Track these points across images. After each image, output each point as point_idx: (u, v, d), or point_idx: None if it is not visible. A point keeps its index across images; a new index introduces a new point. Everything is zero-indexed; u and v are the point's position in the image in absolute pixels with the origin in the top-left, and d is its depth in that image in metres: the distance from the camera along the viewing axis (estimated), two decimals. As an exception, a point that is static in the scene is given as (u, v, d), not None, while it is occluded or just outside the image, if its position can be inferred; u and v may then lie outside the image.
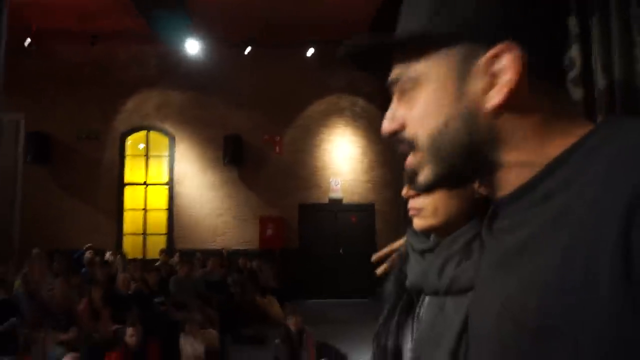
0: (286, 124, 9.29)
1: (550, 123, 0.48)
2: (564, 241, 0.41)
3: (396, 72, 0.54)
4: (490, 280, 0.53)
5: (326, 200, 9.22)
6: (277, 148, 9.23)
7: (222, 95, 9.15)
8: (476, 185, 0.78)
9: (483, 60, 0.47)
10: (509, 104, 0.47)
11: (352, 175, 9.33)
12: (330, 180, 9.25)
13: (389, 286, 0.93)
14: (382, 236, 9.02)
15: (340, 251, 9.06)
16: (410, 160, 0.55)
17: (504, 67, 0.47)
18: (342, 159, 9.34)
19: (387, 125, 0.55)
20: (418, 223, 0.82)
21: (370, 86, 9.32)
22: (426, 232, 0.83)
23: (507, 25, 0.47)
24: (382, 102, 9.09)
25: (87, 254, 7.45)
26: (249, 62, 9.04)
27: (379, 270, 1.03)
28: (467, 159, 0.50)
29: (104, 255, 7.63)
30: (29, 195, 8.68)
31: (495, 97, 0.47)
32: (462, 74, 0.49)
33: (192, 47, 8.46)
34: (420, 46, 0.51)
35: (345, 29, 8.37)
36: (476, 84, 0.48)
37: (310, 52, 8.90)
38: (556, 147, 0.47)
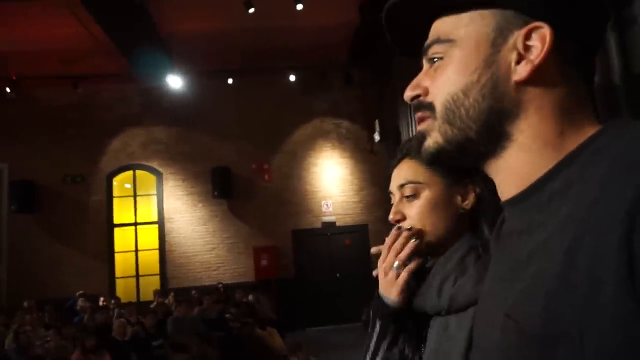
0: (273, 151, 9.31)
1: (569, 110, 0.49)
2: (568, 244, 0.41)
3: (433, 35, 0.55)
4: (494, 291, 0.53)
5: (319, 225, 9.18)
6: (266, 176, 9.22)
7: (207, 127, 9.16)
8: (459, 200, 0.81)
9: (521, 32, 0.49)
10: (535, 81, 0.48)
11: (342, 196, 9.33)
12: (322, 203, 9.24)
13: (383, 307, 0.88)
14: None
15: (337, 275, 8.98)
16: (424, 124, 0.55)
17: (536, 44, 0.48)
18: (331, 181, 9.36)
19: (410, 91, 0.56)
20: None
21: (352, 107, 9.44)
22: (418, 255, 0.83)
23: (548, 4, 0.48)
24: (366, 121, 9.20)
25: (80, 302, 7.27)
26: (232, 93, 9.10)
27: (375, 272, 0.99)
28: (482, 127, 0.51)
29: (97, 301, 7.45)
30: (15, 245, 8.49)
31: (522, 71, 0.48)
32: (496, 42, 0.50)
33: (174, 82, 8.50)
34: (462, 5, 0.52)
35: (324, 54, 8.55)
36: (508, 55, 0.49)
37: (292, 78, 9.00)
38: (568, 138, 0.48)
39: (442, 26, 0.54)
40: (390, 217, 0.84)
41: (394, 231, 0.85)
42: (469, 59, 0.51)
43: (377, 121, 8.47)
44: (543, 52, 0.48)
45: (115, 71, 8.29)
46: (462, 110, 0.51)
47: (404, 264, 0.81)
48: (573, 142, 0.47)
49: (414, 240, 0.81)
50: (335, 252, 9.08)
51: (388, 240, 0.85)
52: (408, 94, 0.56)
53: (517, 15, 0.49)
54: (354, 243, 9.14)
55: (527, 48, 0.49)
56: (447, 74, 0.52)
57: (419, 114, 0.56)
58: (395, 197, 0.86)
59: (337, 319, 8.60)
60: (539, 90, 0.49)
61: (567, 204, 0.43)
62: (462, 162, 0.57)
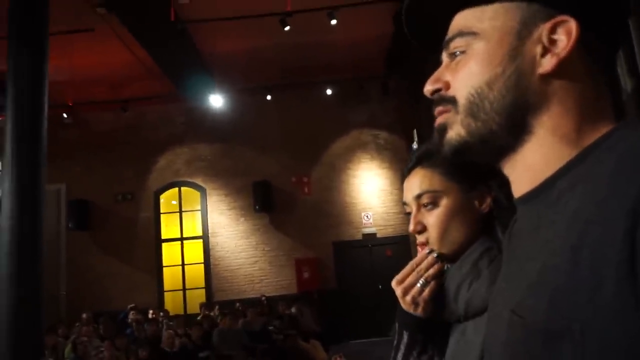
0: (312, 164, 9.40)
1: (589, 105, 0.49)
2: (573, 240, 0.41)
3: (454, 28, 0.55)
4: (503, 289, 0.53)
5: (360, 236, 9.15)
6: (306, 189, 9.31)
7: (248, 143, 9.40)
8: (477, 204, 0.80)
9: (547, 25, 0.49)
10: (559, 74, 0.49)
11: (383, 208, 9.26)
12: (362, 215, 9.21)
13: (405, 317, 0.89)
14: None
15: (379, 287, 8.87)
16: (444, 116, 0.55)
17: (562, 37, 0.48)
18: (371, 192, 9.32)
19: (430, 84, 0.56)
20: None
21: (390, 117, 9.40)
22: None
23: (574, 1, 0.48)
24: (404, 131, 9.13)
25: (131, 314, 7.58)
26: (271, 108, 9.31)
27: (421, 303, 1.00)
28: (506, 120, 0.50)
29: (147, 313, 7.74)
30: (73, 261, 9.00)
31: (547, 64, 0.49)
32: (521, 35, 0.50)
33: (216, 100, 8.81)
34: None
35: (360, 66, 8.62)
36: (533, 48, 0.49)
37: (329, 91, 9.10)
38: (584, 134, 0.48)
39: (464, 20, 0.54)
40: (411, 228, 0.83)
41: (423, 252, 0.84)
42: (493, 52, 0.51)
43: (415, 130, 8.40)
44: (569, 46, 0.48)
45: (160, 93, 8.71)
46: (487, 103, 0.51)
47: (427, 282, 0.81)
48: (588, 139, 0.48)
49: (439, 261, 0.81)
50: (376, 263, 8.99)
51: (415, 260, 0.85)
52: (428, 87, 0.56)
53: (542, 8, 0.49)
54: (395, 254, 9.02)
55: (552, 41, 0.49)
56: (470, 67, 0.52)
57: (439, 108, 0.55)
58: (413, 208, 0.84)
59: (379, 332, 8.47)
60: (562, 83, 0.49)
61: (575, 201, 0.44)
62: (482, 158, 0.56)
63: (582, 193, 0.43)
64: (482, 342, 0.69)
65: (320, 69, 8.58)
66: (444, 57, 0.57)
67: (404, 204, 0.88)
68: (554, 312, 0.41)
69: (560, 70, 0.48)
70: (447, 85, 0.55)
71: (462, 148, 0.54)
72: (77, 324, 6.86)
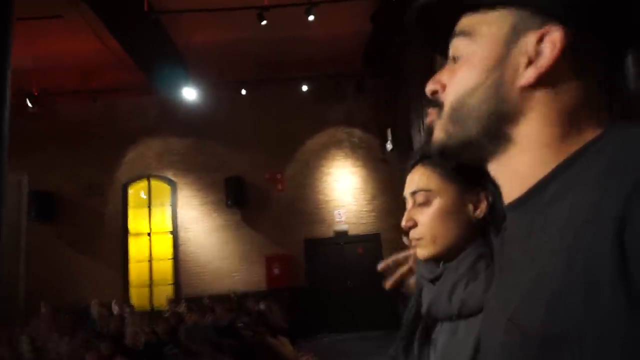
0: (286, 161, 9.37)
1: (575, 114, 0.48)
2: (567, 245, 0.41)
3: (458, 27, 0.55)
4: (497, 296, 0.53)
5: (331, 234, 9.17)
6: (280, 185, 9.27)
7: (221, 138, 9.28)
8: (471, 208, 0.82)
9: (534, 35, 0.48)
10: (542, 86, 0.48)
11: (355, 205, 9.31)
12: (334, 212, 9.23)
13: (408, 314, 0.94)
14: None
15: (349, 284, 8.92)
16: (430, 117, 0.58)
17: (546, 48, 0.47)
18: (344, 190, 9.35)
19: (430, 84, 0.57)
20: (420, 252, 0.84)
21: (365, 116, 9.46)
22: (430, 260, 0.85)
23: (566, 6, 0.47)
24: (379, 130, 9.20)
25: (95, 309, 7.38)
26: (246, 103, 9.22)
27: (387, 284, 1.03)
28: (482, 129, 0.51)
29: (111, 308, 7.54)
30: (34, 253, 8.67)
31: (528, 76, 0.48)
32: (510, 42, 0.49)
33: (189, 93, 8.66)
34: (489, 3, 0.52)
35: (337, 63, 8.63)
36: (518, 57, 0.49)
37: (305, 88, 9.09)
38: (570, 141, 0.47)
39: (467, 21, 0.54)
40: (403, 223, 0.85)
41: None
42: (482, 59, 0.51)
43: (389, 130, 8.47)
44: (551, 58, 0.47)
45: (132, 84, 8.51)
46: (465, 110, 0.51)
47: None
48: (576, 144, 0.47)
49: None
50: (347, 261, 9.03)
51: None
52: (429, 87, 0.57)
53: (534, 16, 0.48)
54: (367, 252, 9.09)
55: (538, 52, 0.48)
56: (463, 72, 0.53)
57: (430, 110, 0.60)
58: (409, 203, 0.87)
59: (349, 328, 8.53)
60: (544, 96, 0.48)
61: (565, 206, 0.44)
62: (465, 159, 0.56)
63: (572, 198, 0.43)
64: (474, 343, 0.70)
65: (297, 64, 8.56)
66: (450, 56, 0.58)
67: (404, 197, 0.89)
68: (550, 318, 0.41)
69: (543, 81, 0.48)
70: (444, 88, 0.55)
71: (444, 150, 0.55)
72: (36, 318, 6.62)
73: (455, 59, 0.55)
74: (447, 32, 0.57)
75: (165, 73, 7.72)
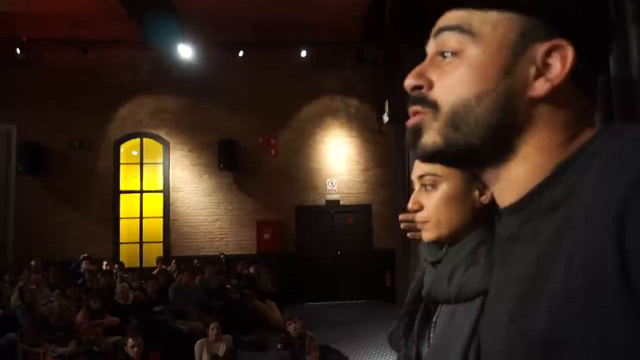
0: (280, 126, 9.27)
1: (575, 125, 0.49)
2: (566, 248, 0.41)
3: (452, 19, 0.51)
4: (499, 296, 0.53)
5: (323, 202, 9.21)
6: (273, 150, 9.21)
7: (216, 99, 9.11)
8: (477, 195, 0.82)
9: (543, 47, 0.47)
10: (549, 99, 0.48)
11: (348, 176, 9.32)
12: (327, 181, 9.25)
13: (410, 295, 0.95)
14: (379, 236, 9.03)
15: (338, 253, 9.06)
16: (421, 117, 0.51)
17: (557, 63, 0.47)
18: (337, 159, 9.33)
19: (412, 79, 0.52)
20: (425, 235, 0.85)
21: (363, 86, 9.33)
22: (433, 243, 0.86)
23: (576, 20, 0.48)
24: (376, 102, 9.10)
25: (84, 264, 7.40)
26: (242, 65, 9.01)
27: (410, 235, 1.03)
28: (488, 138, 0.49)
29: (100, 264, 7.58)
30: (22, 207, 8.60)
31: (540, 88, 0.47)
32: (517, 50, 0.48)
33: (185, 51, 8.42)
34: (491, 3, 0.49)
35: (337, 30, 8.41)
36: (526, 67, 0.48)
37: (303, 53, 8.88)
38: (567, 148, 0.47)
39: (465, 15, 0.50)
40: (409, 206, 0.85)
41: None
42: (487, 64, 0.48)
43: (386, 102, 8.38)
44: (563, 73, 0.47)
45: (125, 37, 8.21)
46: (472, 118, 0.48)
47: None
48: (572, 148, 0.47)
49: None
50: (337, 230, 9.13)
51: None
52: (410, 82, 0.52)
53: (542, 25, 0.47)
54: (357, 222, 9.19)
55: (546, 65, 0.47)
56: (461, 74, 0.49)
57: (416, 108, 0.52)
58: (416, 187, 0.87)
59: (336, 296, 8.73)
60: (551, 108, 0.48)
61: (564, 208, 0.44)
62: (456, 166, 0.55)
63: (570, 200, 0.43)
64: (471, 327, 0.71)
65: (295, 29, 8.32)
66: (431, 48, 0.53)
67: (412, 180, 0.89)
68: (552, 320, 0.41)
69: (551, 95, 0.47)
70: (430, 85, 0.51)
71: (436, 155, 0.52)
72: (25, 271, 6.63)
73: (443, 55, 0.51)
74: (425, 25, 0.54)
75: (159, 27, 7.44)
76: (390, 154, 8.77)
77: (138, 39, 8.00)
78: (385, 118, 8.40)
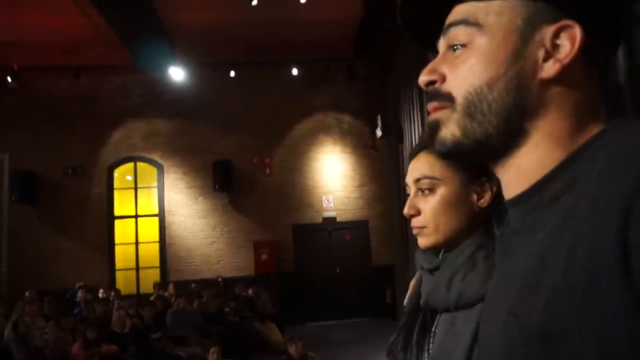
0: (274, 145, 9.27)
1: (584, 110, 0.49)
2: (567, 241, 0.41)
3: (458, 15, 0.52)
4: (498, 290, 0.53)
5: (320, 220, 9.17)
6: (267, 170, 9.20)
7: (209, 120, 9.12)
8: (475, 198, 0.81)
9: (551, 29, 0.48)
10: (559, 80, 0.48)
11: (343, 192, 9.30)
12: (323, 198, 9.22)
13: (407, 306, 0.94)
14: (377, 252, 8.97)
15: (337, 270, 8.97)
16: (439, 113, 0.52)
17: (566, 43, 0.47)
18: (332, 176, 9.33)
19: (425, 75, 0.53)
20: (422, 241, 0.83)
21: (355, 102, 9.39)
22: (433, 250, 0.84)
23: (583, 3, 0.48)
24: (368, 117, 9.16)
25: (80, 293, 7.27)
26: (234, 85, 9.05)
27: (405, 303, 1.05)
28: (502, 123, 0.49)
29: (96, 292, 7.45)
30: (16, 237, 8.49)
31: (549, 70, 0.48)
32: (525, 34, 0.49)
33: (176, 74, 8.45)
34: None
35: (327, 47, 8.50)
36: (536, 50, 0.48)
37: (295, 71, 8.95)
38: (577, 138, 0.48)
39: (469, 8, 0.51)
40: (405, 211, 0.83)
41: None
42: (496, 51, 0.49)
43: (379, 116, 8.42)
44: (572, 53, 0.47)
45: (117, 62, 8.25)
46: (485, 104, 0.49)
47: None
48: (581, 141, 0.47)
49: None
50: (335, 247, 9.07)
51: None
52: (424, 78, 0.53)
53: (547, 8, 0.48)
54: (355, 239, 9.13)
55: (555, 46, 0.48)
56: (472, 63, 0.50)
57: (433, 104, 0.53)
58: (411, 191, 0.85)
59: (336, 315, 8.62)
60: (562, 89, 0.48)
61: (567, 202, 0.44)
62: (474, 159, 0.55)
63: (574, 193, 0.43)
64: (472, 334, 0.70)
65: (286, 47, 8.40)
66: (442, 45, 0.55)
67: (406, 185, 0.87)
68: (550, 313, 0.41)
69: (561, 76, 0.48)
70: (443, 79, 0.53)
71: (455, 148, 0.52)
72: (19, 303, 6.50)
73: (454, 49, 0.52)
74: (434, 23, 0.55)
75: (151, 51, 7.49)
76: (384, 168, 8.77)
77: (130, 64, 8.04)
78: (379, 132, 8.43)
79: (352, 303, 8.66)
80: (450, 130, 0.52)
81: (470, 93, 0.50)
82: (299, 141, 9.35)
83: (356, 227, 9.18)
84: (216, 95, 9.14)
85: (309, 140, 9.38)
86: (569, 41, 0.47)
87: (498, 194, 0.79)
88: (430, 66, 0.54)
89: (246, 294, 7.59)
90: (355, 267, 8.84)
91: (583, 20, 0.47)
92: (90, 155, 8.94)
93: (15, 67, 8.29)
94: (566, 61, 0.47)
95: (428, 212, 0.81)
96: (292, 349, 4.60)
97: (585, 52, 0.47)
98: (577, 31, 0.47)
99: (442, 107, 0.52)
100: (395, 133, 7.71)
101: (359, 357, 5.94)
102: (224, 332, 6.26)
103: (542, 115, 0.49)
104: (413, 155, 0.86)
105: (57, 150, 8.76)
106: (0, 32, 7.15)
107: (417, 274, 0.94)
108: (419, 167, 0.83)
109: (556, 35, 0.48)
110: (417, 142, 0.88)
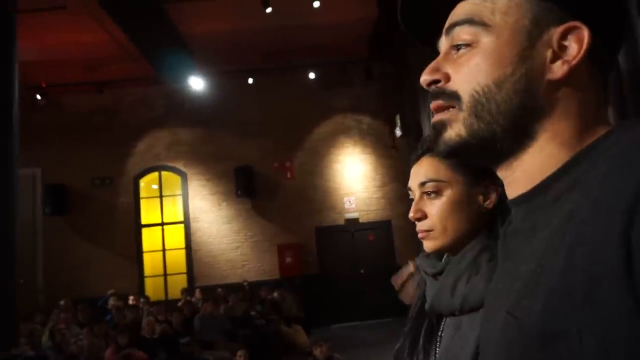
0: (295, 149, 9.34)
1: (590, 112, 0.48)
2: (569, 242, 0.41)
3: (462, 13, 0.51)
4: (498, 289, 0.53)
5: (342, 221, 9.17)
6: (289, 174, 9.26)
7: (230, 127, 9.26)
8: (481, 199, 0.81)
9: (559, 30, 0.47)
10: (567, 81, 0.48)
11: (365, 193, 9.28)
12: (345, 200, 9.22)
13: (412, 311, 0.93)
14: (401, 252, 8.90)
15: (361, 271, 8.95)
16: (446, 113, 0.51)
17: (573, 45, 0.47)
18: (354, 177, 9.32)
19: (428, 74, 0.53)
20: (428, 245, 0.82)
21: (373, 103, 9.36)
22: (438, 253, 0.83)
23: (587, 3, 0.48)
24: (387, 117, 9.11)
25: (111, 301, 7.48)
26: (253, 92, 9.17)
27: (397, 286, 1.05)
28: (510, 124, 0.48)
29: (127, 299, 7.65)
30: (50, 247, 8.82)
31: (557, 71, 0.47)
32: (532, 35, 0.48)
33: (196, 83, 8.62)
34: None
35: (343, 49, 8.51)
36: (543, 51, 0.48)
37: (312, 75, 8.99)
38: (582, 140, 0.47)
39: (473, 7, 0.50)
40: (411, 215, 0.83)
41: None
42: (503, 50, 0.48)
43: (398, 116, 8.38)
44: (580, 54, 0.47)
45: (138, 75, 8.48)
46: (493, 104, 0.48)
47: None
48: (586, 143, 0.47)
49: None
50: (359, 248, 9.05)
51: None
52: (426, 77, 0.53)
53: (554, 9, 0.48)
54: (378, 239, 9.09)
55: (562, 47, 0.47)
56: (477, 62, 0.49)
57: (438, 102, 0.52)
58: (416, 195, 0.84)
59: (362, 316, 8.59)
60: (568, 91, 0.48)
61: (570, 203, 0.43)
62: (478, 160, 0.54)
63: (577, 194, 0.43)
64: (477, 338, 0.69)
65: (303, 52, 8.45)
66: (444, 44, 0.54)
67: (409, 189, 0.87)
68: (550, 313, 0.41)
69: (568, 77, 0.47)
70: (447, 78, 0.52)
71: (460, 149, 0.51)
72: (55, 311, 6.74)
73: (457, 48, 0.51)
74: (439, 20, 0.54)
75: (171, 63, 7.67)
76: (405, 167, 8.71)
77: (151, 75, 8.25)
78: (398, 132, 8.38)
79: (377, 303, 8.60)
80: (455, 131, 0.51)
81: (477, 92, 0.49)
82: (318, 144, 9.39)
83: (379, 227, 9.14)
84: (235, 102, 9.27)
85: (329, 143, 9.40)
86: (577, 43, 0.47)
87: (502, 195, 0.78)
88: (432, 65, 0.53)
89: (272, 297, 7.65)
90: (379, 268, 8.78)
91: (589, 22, 0.47)
92: (117, 166, 9.21)
93: (44, 85, 8.62)
94: (574, 63, 0.47)
95: (435, 215, 0.80)
96: (317, 351, 4.61)
97: (590, 53, 0.47)
98: (585, 33, 0.46)
99: (448, 106, 0.51)
100: (414, 132, 7.66)
101: (384, 357, 5.91)
102: (251, 336, 6.32)
103: (549, 117, 0.48)
104: (416, 159, 0.86)
105: (85, 162, 9.06)
106: (28, 53, 7.42)
107: (420, 279, 0.94)
108: (422, 171, 0.83)
109: (563, 36, 0.47)
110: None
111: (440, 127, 0.52)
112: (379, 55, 8.58)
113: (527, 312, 0.43)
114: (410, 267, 0.99)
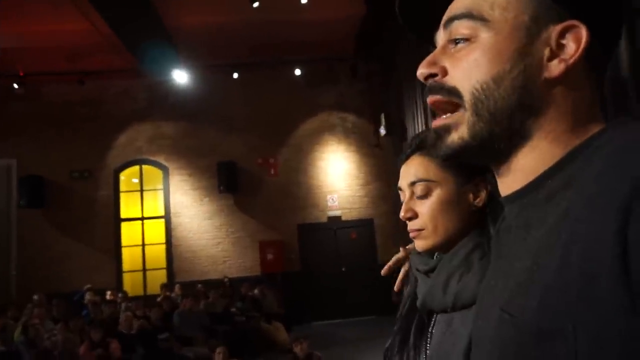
0: (279, 145, 9.30)
1: (583, 110, 0.49)
2: (564, 239, 0.41)
3: (460, 7, 0.51)
4: (491, 286, 0.53)
5: (325, 219, 9.17)
6: (272, 170, 9.22)
7: (213, 122, 9.17)
8: (471, 198, 0.81)
9: (557, 28, 0.47)
10: (563, 80, 0.48)
11: (348, 191, 9.31)
12: (328, 197, 9.23)
13: (402, 308, 0.93)
14: (383, 250, 8.96)
15: (343, 269, 8.98)
16: (448, 119, 0.51)
17: (571, 44, 0.47)
18: (337, 175, 9.33)
19: (425, 67, 0.52)
20: (420, 244, 0.82)
21: (358, 101, 9.38)
22: (429, 252, 0.83)
23: (586, 3, 0.48)
24: (372, 115, 9.15)
25: (88, 295, 7.35)
26: (238, 87, 9.09)
27: (396, 287, 1.03)
28: (507, 121, 0.49)
29: (104, 295, 7.52)
30: (25, 240, 8.60)
31: (554, 69, 0.47)
32: (531, 32, 0.48)
33: (180, 76, 8.50)
34: None
35: (330, 47, 8.50)
36: (541, 49, 0.48)
37: (298, 71, 8.96)
38: (575, 137, 0.47)
39: (472, 1, 0.50)
40: (402, 214, 0.83)
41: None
42: (502, 46, 0.48)
43: (382, 115, 8.42)
44: (578, 54, 0.47)
45: (121, 67, 8.31)
46: (491, 101, 0.48)
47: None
48: (579, 141, 0.47)
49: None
50: (341, 246, 9.07)
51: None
52: (423, 71, 0.52)
53: (553, 6, 0.48)
54: (360, 237, 9.13)
55: (559, 45, 0.47)
56: (476, 58, 0.49)
57: (436, 97, 0.51)
58: (406, 194, 0.84)
59: (343, 313, 8.62)
60: (564, 89, 0.48)
61: (565, 200, 0.43)
62: (477, 160, 0.54)
63: (571, 192, 0.43)
64: (469, 335, 0.69)
65: (289, 48, 8.41)
66: (441, 37, 0.53)
67: (399, 189, 0.86)
68: (545, 311, 0.41)
69: (565, 76, 0.48)
70: (444, 72, 0.51)
71: (461, 151, 0.51)
72: (29, 306, 6.58)
73: (455, 42, 0.51)
74: (434, 15, 0.54)
75: (154, 55, 7.54)
76: (389, 166, 8.76)
77: (134, 68, 8.10)
78: (382, 131, 8.42)
79: (358, 301, 8.65)
80: (459, 134, 0.50)
81: (476, 89, 0.49)
82: (303, 141, 9.37)
83: (361, 225, 9.18)
84: (220, 96, 9.18)
85: (313, 140, 9.39)
86: (575, 42, 0.47)
87: (492, 193, 0.79)
88: (429, 58, 0.52)
89: (252, 294, 7.62)
90: (361, 266, 8.83)
91: (586, 21, 0.47)
92: (97, 159, 9.02)
93: (21, 74, 8.39)
94: (571, 62, 0.47)
95: (425, 214, 0.81)
96: (297, 349, 4.62)
97: (586, 53, 0.47)
98: (583, 32, 0.46)
99: (448, 102, 0.51)
100: (398, 131, 7.71)
101: (365, 355, 5.94)
102: (231, 332, 6.28)
103: (544, 114, 0.48)
104: (405, 158, 0.86)
105: (64, 154, 8.85)
106: (5, 38, 7.22)
107: (411, 277, 0.94)
108: (412, 170, 0.83)
109: (561, 35, 0.47)
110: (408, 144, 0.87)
111: (445, 130, 0.52)
112: (365, 53, 8.60)
113: (522, 309, 0.43)
114: (401, 254, 0.99)
